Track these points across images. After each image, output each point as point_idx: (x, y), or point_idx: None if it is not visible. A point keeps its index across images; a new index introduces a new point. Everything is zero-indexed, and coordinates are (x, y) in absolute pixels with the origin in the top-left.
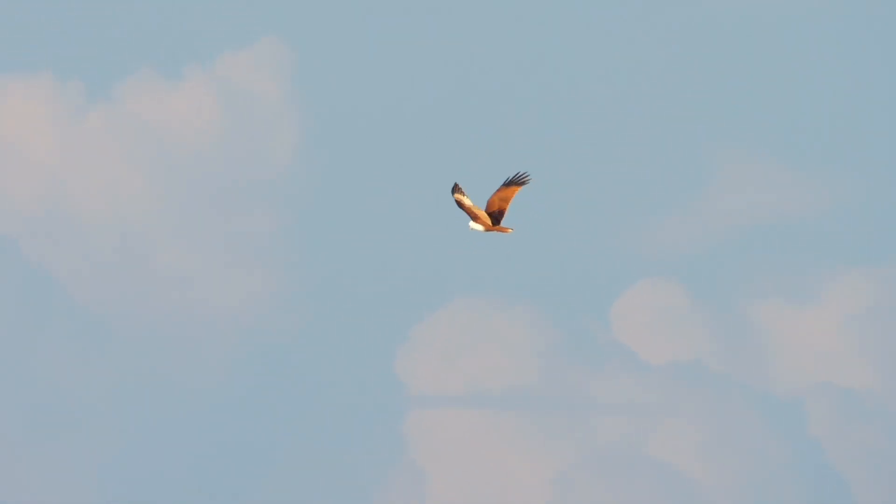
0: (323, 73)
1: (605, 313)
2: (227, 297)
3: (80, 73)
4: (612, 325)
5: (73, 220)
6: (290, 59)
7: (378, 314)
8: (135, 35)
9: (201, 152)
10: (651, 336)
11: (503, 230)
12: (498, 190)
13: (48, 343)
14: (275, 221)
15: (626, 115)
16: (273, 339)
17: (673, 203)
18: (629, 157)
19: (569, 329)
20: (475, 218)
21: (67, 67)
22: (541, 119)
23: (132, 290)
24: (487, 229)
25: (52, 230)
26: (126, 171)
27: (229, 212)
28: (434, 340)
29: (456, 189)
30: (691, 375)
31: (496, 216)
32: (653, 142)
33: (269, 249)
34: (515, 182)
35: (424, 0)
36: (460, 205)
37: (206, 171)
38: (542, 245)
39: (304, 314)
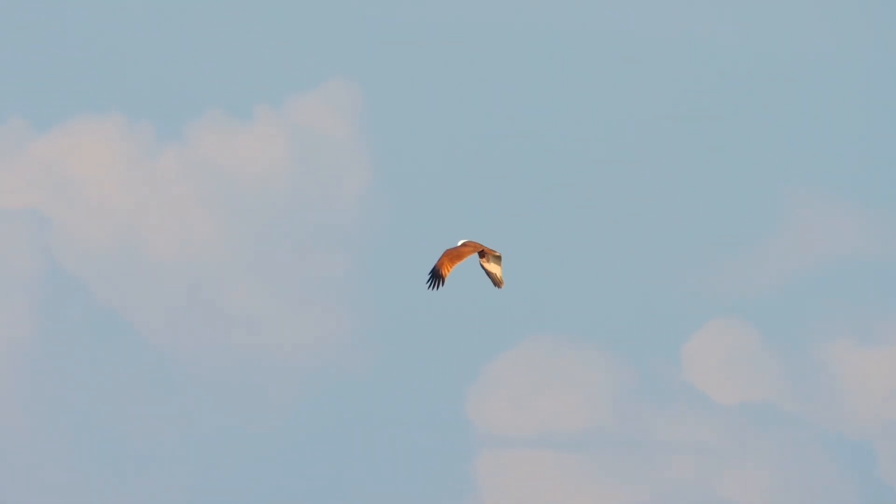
0: (391, 113)
1: (676, 354)
2: (297, 338)
3: (150, 115)
4: (682, 366)
5: (143, 261)
6: (358, 99)
7: (448, 354)
8: (205, 76)
9: (271, 193)
10: (722, 377)
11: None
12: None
13: (119, 383)
14: (344, 262)
15: (700, 155)
16: (343, 379)
17: (744, 244)
18: (702, 198)
19: (640, 369)
20: (481, 255)
21: (138, 109)
22: (613, 159)
23: (202, 331)
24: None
25: (123, 271)
26: (196, 211)
27: (299, 252)
28: (505, 380)
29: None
30: (762, 416)
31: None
32: (725, 183)
33: (338, 290)
34: (484, 252)
35: (491, 45)
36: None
37: (276, 211)
38: (613, 285)
39: (375, 355)
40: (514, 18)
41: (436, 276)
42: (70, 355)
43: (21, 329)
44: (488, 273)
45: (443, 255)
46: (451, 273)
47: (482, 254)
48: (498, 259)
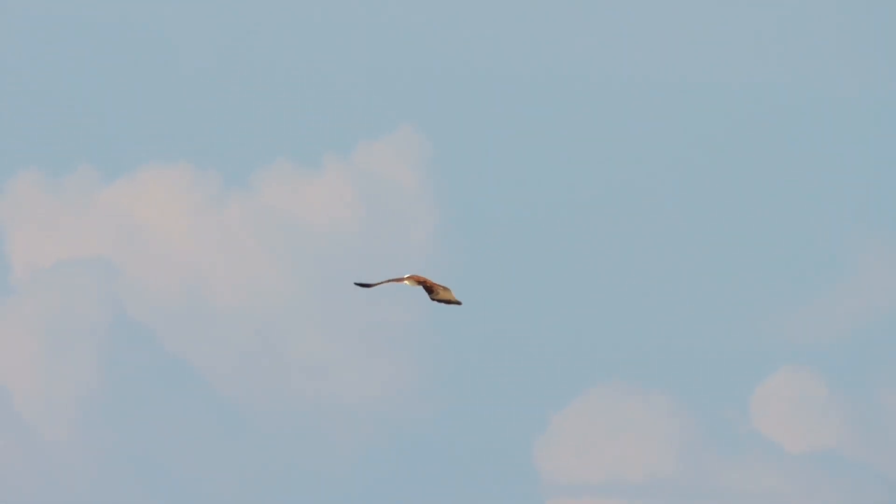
0: (458, 161)
1: (744, 402)
2: (364, 386)
3: (217, 164)
4: (751, 414)
5: (211, 309)
6: (426, 147)
7: (515, 403)
8: (272, 125)
9: (338, 241)
10: (790, 425)
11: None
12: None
13: (187, 431)
14: (411, 311)
15: (768, 201)
16: (410, 428)
17: (811, 291)
18: (769, 245)
19: (708, 417)
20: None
21: (205, 158)
22: (680, 204)
23: (268, 378)
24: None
25: (190, 319)
26: (263, 260)
27: (366, 301)
28: (572, 429)
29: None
30: (830, 464)
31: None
32: (793, 229)
33: (405, 339)
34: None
35: (557, 95)
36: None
37: (343, 260)
38: (681, 332)
39: (442, 403)
40: (581, 70)
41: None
42: (138, 403)
43: (89, 377)
44: (444, 301)
45: (383, 280)
46: (381, 285)
47: (430, 291)
48: (447, 291)
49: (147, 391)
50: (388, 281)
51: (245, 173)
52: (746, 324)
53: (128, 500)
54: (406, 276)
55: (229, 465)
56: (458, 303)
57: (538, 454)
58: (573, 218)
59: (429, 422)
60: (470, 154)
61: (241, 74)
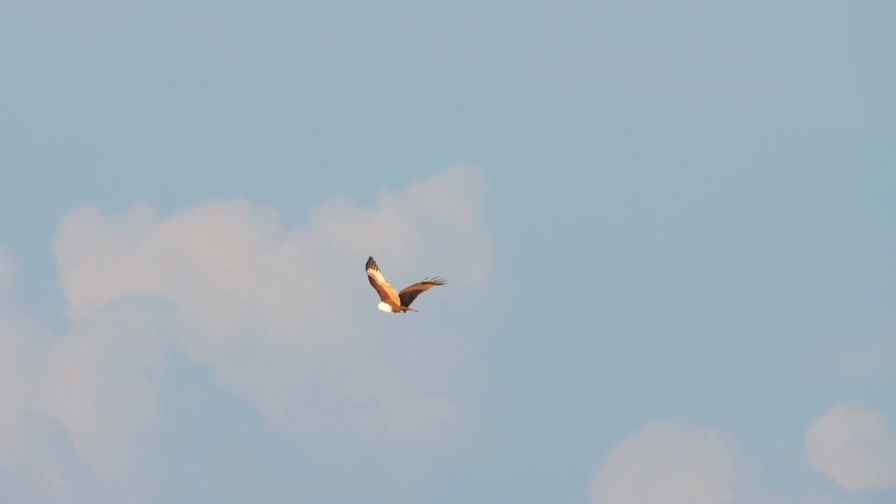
0: (515, 198)
1: (800, 438)
2: (421, 423)
3: (274, 201)
4: (808, 451)
5: (267, 346)
6: (483, 184)
7: (572, 438)
8: (328, 162)
9: (394, 278)
10: (847, 461)
11: (410, 310)
12: (415, 284)
13: (244, 469)
14: (467, 347)
15: (823, 236)
16: (466, 465)
17: (868, 327)
18: (826, 280)
19: (764, 454)
20: (384, 297)
21: (262, 195)
22: (732, 239)
23: (326, 416)
24: (395, 310)
25: (247, 357)
26: (320, 297)
27: (422, 337)
28: (629, 465)
29: (370, 264)
30: (888, 501)
31: (405, 300)
32: (848, 264)
33: (461, 376)
34: (434, 282)
35: (613, 130)
36: (372, 281)
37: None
38: (737, 368)
39: (498, 440)
40: (634, 103)
41: (371, 278)
42: (195, 440)
43: (147, 415)
44: (395, 305)
45: (387, 285)
46: (374, 280)
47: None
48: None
49: (204, 428)
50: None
51: (301, 210)
52: (803, 359)
53: None
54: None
55: (286, 503)
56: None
57: (595, 490)
58: (630, 254)
59: (486, 458)
60: (526, 189)
61: (297, 111)
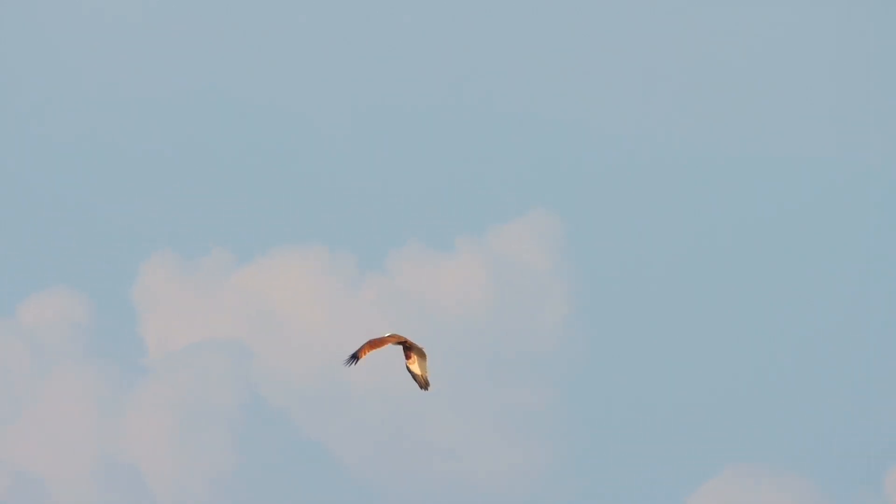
0: (591, 243)
1: (878, 482)
2: (497, 467)
3: (351, 246)
4: (885, 495)
5: (344, 392)
6: (559, 230)
7: (649, 484)
8: (405, 208)
9: (471, 323)
10: None
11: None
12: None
13: None
14: (544, 393)
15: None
16: None
17: None
18: None
19: (842, 499)
20: (407, 351)
21: (339, 240)
22: (808, 287)
23: (403, 461)
24: (399, 341)
25: (324, 402)
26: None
27: (499, 382)
28: None
29: (357, 355)
30: None
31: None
32: None
33: (538, 420)
34: (408, 345)
35: (686, 176)
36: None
37: (476, 342)
38: (813, 413)
39: (574, 485)
40: (707, 150)
41: (354, 357)
42: (272, 485)
43: (225, 460)
44: (413, 375)
45: (365, 342)
46: (367, 356)
47: (407, 351)
48: (423, 357)
49: (282, 473)
50: (371, 346)
51: (378, 256)
52: (879, 404)
53: None
54: (387, 335)
55: None
56: (426, 384)
57: None
58: (705, 298)
59: (561, 503)
60: (602, 236)
61: (374, 157)
